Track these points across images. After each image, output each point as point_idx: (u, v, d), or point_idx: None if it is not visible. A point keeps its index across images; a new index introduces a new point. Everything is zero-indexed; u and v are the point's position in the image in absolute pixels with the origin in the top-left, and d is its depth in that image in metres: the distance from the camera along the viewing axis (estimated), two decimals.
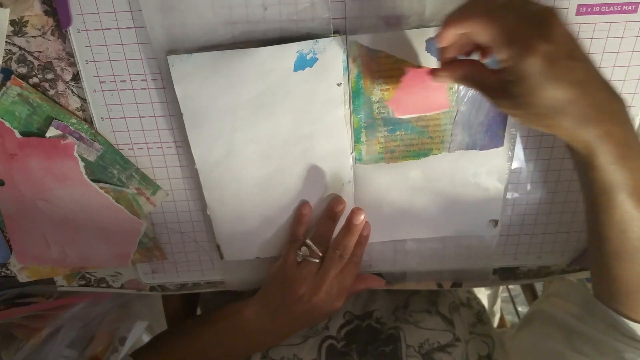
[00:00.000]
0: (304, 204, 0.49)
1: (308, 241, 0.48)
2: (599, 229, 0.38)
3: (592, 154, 0.35)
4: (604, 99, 0.34)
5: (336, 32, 0.41)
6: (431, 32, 0.41)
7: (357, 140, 0.46)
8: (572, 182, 0.49)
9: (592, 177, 0.36)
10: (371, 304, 0.59)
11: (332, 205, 0.48)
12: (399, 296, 0.60)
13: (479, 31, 0.33)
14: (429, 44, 0.41)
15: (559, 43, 0.32)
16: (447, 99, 0.44)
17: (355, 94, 0.43)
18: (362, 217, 0.47)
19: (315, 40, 0.40)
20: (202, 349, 0.51)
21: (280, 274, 0.49)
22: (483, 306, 0.63)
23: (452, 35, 0.35)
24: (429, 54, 0.41)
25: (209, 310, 0.55)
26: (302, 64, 0.41)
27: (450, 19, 0.34)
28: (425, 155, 0.46)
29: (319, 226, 0.49)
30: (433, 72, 0.39)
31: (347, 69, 0.42)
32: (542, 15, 0.32)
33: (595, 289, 0.43)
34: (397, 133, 0.45)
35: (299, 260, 0.48)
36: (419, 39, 0.41)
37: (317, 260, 0.48)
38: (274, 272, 0.50)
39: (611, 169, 0.35)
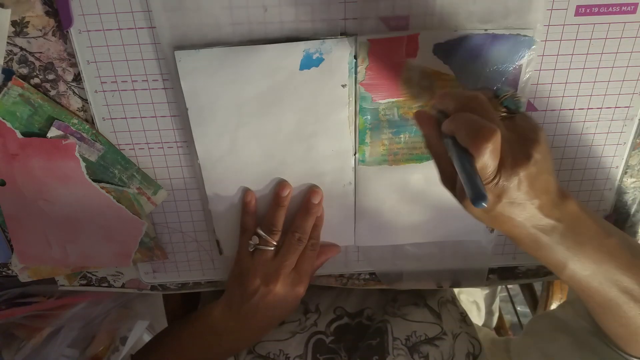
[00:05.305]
0: (247, 192, 0.48)
1: (258, 230, 0.47)
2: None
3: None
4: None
5: (343, 33, 0.41)
6: (439, 34, 0.41)
7: (361, 141, 0.46)
8: (570, 183, 0.50)
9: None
10: (364, 302, 0.58)
11: (278, 191, 0.47)
12: (390, 292, 0.59)
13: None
14: (436, 46, 0.41)
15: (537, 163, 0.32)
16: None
17: (363, 95, 0.43)
18: (320, 197, 0.47)
19: (322, 40, 0.40)
20: (183, 351, 0.51)
21: (236, 267, 0.49)
22: (465, 310, 0.62)
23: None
24: (435, 57, 0.41)
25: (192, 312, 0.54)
26: (308, 63, 0.41)
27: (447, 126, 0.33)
28: (428, 159, 0.46)
29: (268, 214, 0.48)
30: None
31: (355, 71, 0.42)
32: (533, 135, 0.33)
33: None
34: (402, 135, 0.45)
35: (251, 250, 0.48)
36: (427, 41, 0.41)
37: (271, 248, 0.47)
38: (231, 268, 0.50)
39: (560, 248, 0.35)
